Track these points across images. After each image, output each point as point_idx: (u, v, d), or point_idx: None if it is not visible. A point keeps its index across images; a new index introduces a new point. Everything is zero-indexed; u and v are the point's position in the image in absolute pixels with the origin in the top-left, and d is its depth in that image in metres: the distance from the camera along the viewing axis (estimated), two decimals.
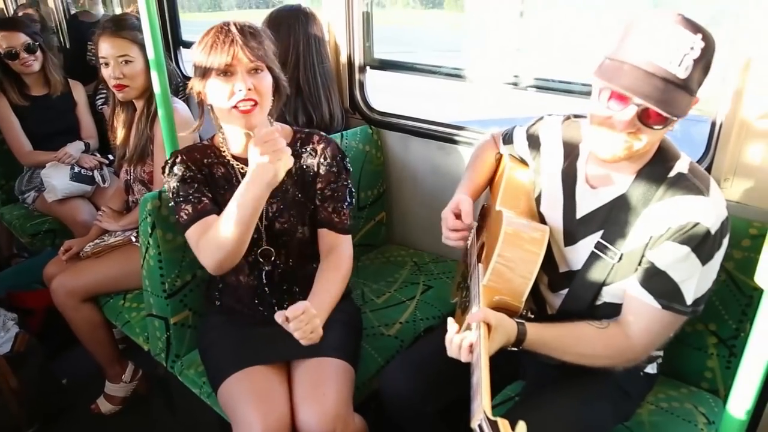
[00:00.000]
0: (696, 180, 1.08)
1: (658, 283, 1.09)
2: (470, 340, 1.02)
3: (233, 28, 1.24)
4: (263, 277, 1.44)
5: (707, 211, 1.05)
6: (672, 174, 1.10)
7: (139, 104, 1.88)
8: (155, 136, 1.84)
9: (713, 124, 1.42)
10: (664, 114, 0.97)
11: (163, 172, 1.39)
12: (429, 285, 1.93)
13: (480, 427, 0.82)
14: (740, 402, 1.00)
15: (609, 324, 1.15)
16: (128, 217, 1.96)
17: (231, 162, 1.38)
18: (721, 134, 1.39)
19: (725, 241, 1.08)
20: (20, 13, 3.47)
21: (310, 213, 1.43)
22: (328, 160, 1.41)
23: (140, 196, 1.91)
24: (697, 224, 1.04)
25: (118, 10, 3.81)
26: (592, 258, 1.17)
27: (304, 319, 1.17)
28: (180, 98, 2.15)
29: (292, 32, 1.86)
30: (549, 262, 1.24)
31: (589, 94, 1.09)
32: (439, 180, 2.02)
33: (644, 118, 1.00)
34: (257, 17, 2.02)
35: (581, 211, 1.21)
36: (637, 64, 0.96)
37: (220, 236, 1.24)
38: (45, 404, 2.03)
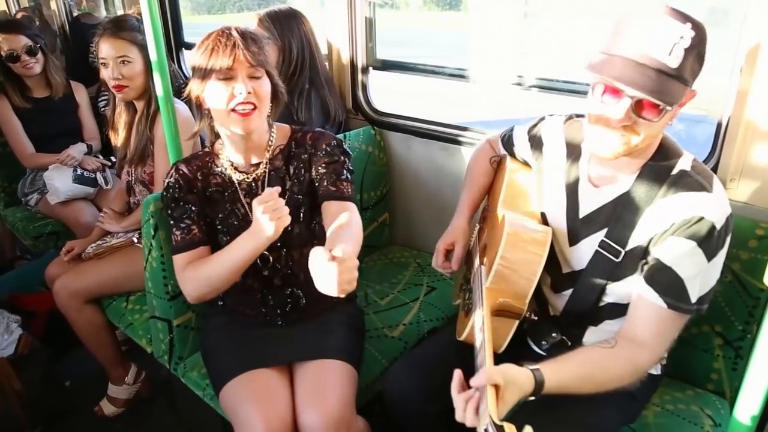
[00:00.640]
0: (699, 177, 1.08)
1: (664, 279, 1.08)
2: (474, 405, 0.94)
3: (235, 33, 1.25)
4: (264, 279, 1.43)
5: (711, 207, 1.04)
6: (675, 171, 1.10)
7: (139, 105, 1.88)
8: (155, 137, 1.84)
9: (719, 125, 1.41)
10: (657, 102, 0.96)
11: (163, 182, 1.40)
12: (432, 286, 1.92)
13: (486, 431, 0.82)
14: (748, 405, 0.99)
15: (616, 340, 1.11)
16: (130, 219, 1.96)
17: (227, 171, 1.39)
18: (726, 135, 1.38)
19: (728, 240, 1.07)
20: (19, 15, 3.48)
21: (304, 206, 1.41)
22: (322, 147, 1.40)
23: (141, 197, 1.92)
24: (701, 219, 1.04)
25: (120, 12, 3.82)
26: (596, 257, 1.16)
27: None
28: (182, 99, 2.14)
29: (300, 29, 1.88)
30: (552, 262, 1.23)
31: None
32: (442, 181, 2.02)
33: (639, 110, 1.00)
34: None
35: (584, 211, 1.21)
36: (628, 56, 0.97)
37: (212, 274, 1.30)
38: (48, 406, 2.03)
